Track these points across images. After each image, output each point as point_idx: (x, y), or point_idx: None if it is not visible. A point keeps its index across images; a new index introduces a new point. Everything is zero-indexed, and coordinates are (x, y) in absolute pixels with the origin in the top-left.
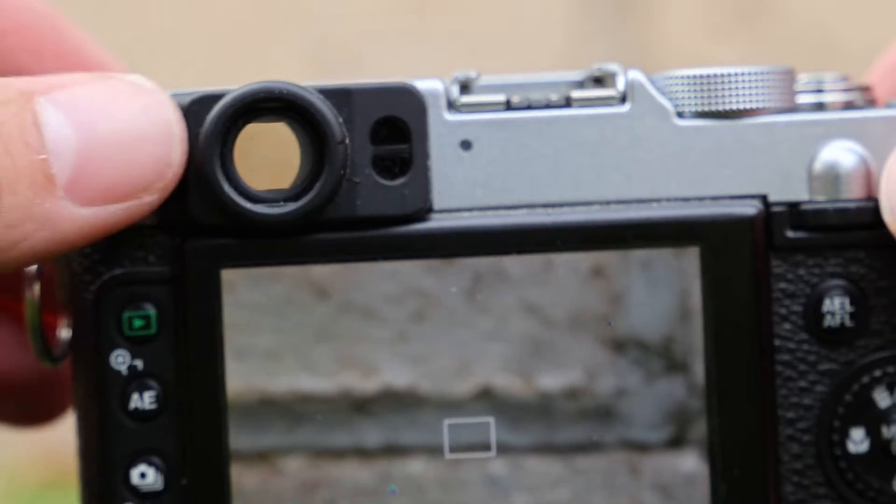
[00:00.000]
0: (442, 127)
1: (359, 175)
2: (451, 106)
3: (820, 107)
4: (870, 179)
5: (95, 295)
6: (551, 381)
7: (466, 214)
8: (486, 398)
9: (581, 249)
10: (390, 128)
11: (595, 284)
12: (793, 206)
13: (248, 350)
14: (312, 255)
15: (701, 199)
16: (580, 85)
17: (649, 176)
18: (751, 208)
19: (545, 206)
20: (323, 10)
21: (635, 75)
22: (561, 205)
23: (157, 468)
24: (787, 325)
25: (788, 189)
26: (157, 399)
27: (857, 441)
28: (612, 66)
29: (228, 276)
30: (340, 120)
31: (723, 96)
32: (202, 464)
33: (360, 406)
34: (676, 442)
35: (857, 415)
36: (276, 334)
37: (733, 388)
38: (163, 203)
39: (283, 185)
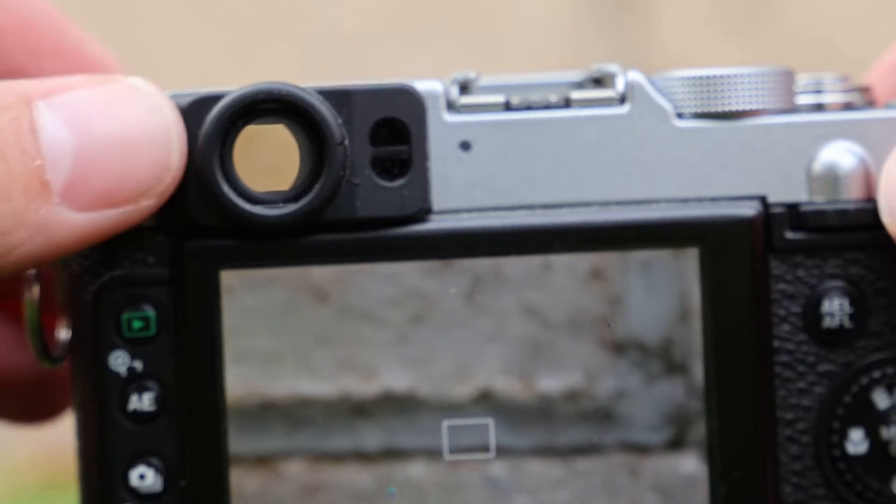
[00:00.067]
0: (441, 128)
1: (358, 176)
2: (451, 107)
3: (819, 107)
4: (869, 180)
5: (94, 296)
6: (551, 383)
7: (466, 215)
8: (486, 401)
9: (580, 250)
10: (390, 129)
11: (594, 286)
12: (792, 207)
13: (248, 354)
14: (312, 256)
15: (700, 200)
16: (579, 86)
17: (648, 177)
18: (750, 209)
19: (544, 207)
20: (323, 10)
21: (635, 76)
22: (560, 206)
23: (157, 469)
24: (786, 327)
25: (788, 190)
26: (157, 400)
27: (856, 442)
28: (612, 67)
29: (228, 279)
30: (340, 121)
31: (722, 97)
32: (201, 465)
33: (359, 409)
34: (676, 444)
35: (856, 416)
36: (276, 338)
37: (732, 388)
38: (162, 204)
39: (282, 186)
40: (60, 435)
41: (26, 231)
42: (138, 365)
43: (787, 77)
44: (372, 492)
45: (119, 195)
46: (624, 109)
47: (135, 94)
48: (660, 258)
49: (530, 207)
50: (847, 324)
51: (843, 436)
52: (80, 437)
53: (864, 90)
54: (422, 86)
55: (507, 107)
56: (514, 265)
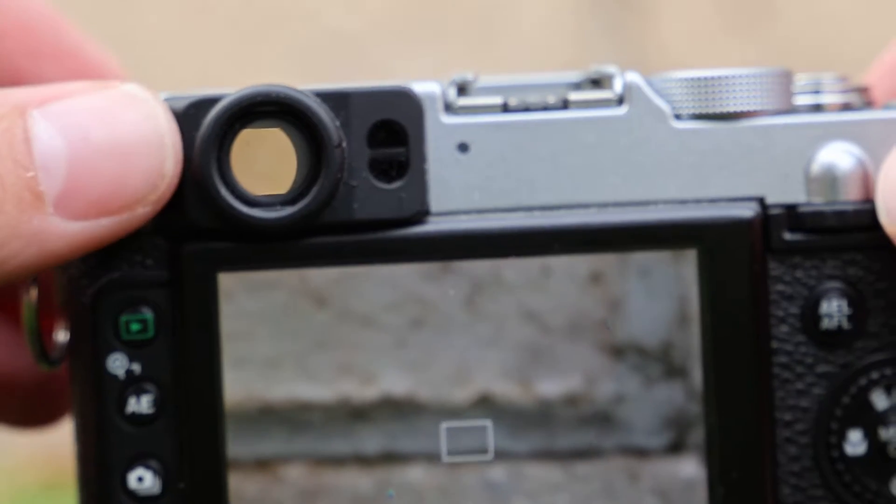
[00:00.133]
0: (439, 130)
1: (356, 178)
2: (448, 108)
3: (817, 108)
4: (867, 181)
5: (92, 299)
6: (550, 387)
7: (464, 217)
8: (485, 405)
9: (579, 252)
10: (387, 131)
11: (593, 290)
12: (790, 209)
13: (247, 359)
14: (309, 258)
15: (698, 201)
16: (577, 87)
17: (646, 178)
18: (748, 210)
19: (543, 208)
20: (323, 10)
21: (633, 77)
22: (558, 207)
23: (155, 472)
24: (784, 328)
25: (786, 191)
26: (155, 403)
27: (855, 443)
28: (610, 68)
29: (226, 282)
30: (337, 123)
31: (720, 98)
32: (199, 467)
33: (358, 413)
34: (675, 447)
35: (855, 417)
36: (275, 342)
37: (731, 390)
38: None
39: (280, 189)
40: (61, 436)
41: (19, 243)
42: (136, 367)
43: (786, 78)
44: (371, 495)
45: (114, 203)
46: (622, 111)
47: (130, 101)
48: (659, 262)
49: (528, 209)
50: (845, 325)
51: (842, 437)
52: (79, 440)
53: (863, 90)
54: (419, 88)
55: (505, 108)
56: (514, 269)
